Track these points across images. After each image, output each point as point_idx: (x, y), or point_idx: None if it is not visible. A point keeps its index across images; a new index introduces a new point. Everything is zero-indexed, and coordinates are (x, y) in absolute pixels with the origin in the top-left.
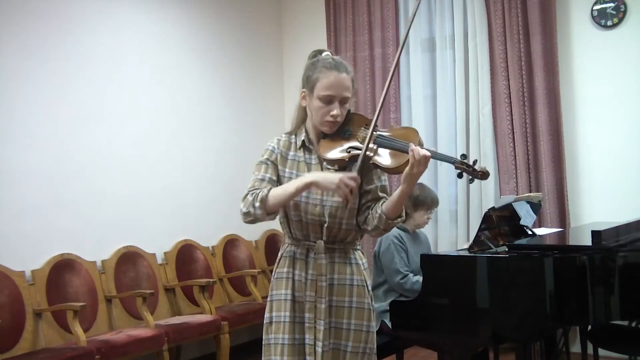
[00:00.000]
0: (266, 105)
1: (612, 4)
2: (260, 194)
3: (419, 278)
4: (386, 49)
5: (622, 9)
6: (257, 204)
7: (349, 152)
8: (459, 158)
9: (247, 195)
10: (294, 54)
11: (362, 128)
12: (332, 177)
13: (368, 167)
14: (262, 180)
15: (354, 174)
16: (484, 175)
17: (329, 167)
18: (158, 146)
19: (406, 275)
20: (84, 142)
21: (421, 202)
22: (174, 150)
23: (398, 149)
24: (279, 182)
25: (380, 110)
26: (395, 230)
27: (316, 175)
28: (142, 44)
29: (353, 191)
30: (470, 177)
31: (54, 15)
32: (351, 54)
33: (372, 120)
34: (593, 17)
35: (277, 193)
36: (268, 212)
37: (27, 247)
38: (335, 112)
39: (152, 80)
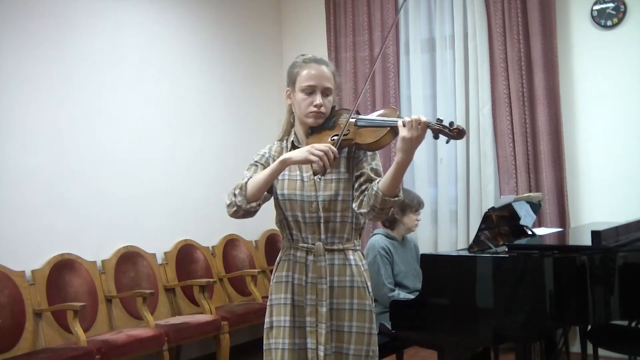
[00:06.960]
0: (266, 105)
1: (612, 4)
2: (239, 183)
3: (407, 296)
4: (386, 49)
5: (622, 9)
6: (237, 192)
7: (332, 139)
8: (435, 121)
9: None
10: (294, 54)
11: (344, 116)
12: (302, 149)
13: (356, 153)
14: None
15: (328, 143)
16: (459, 133)
17: None
18: (158, 146)
19: (394, 290)
20: (84, 142)
21: (408, 205)
22: (174, 150)
23: (377, 125)
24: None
25: (360, 96)
26: (382, 241)
27: (287, 153)
28: (141, 43)
29: (329, 157)
30: (447, 137)
31: (52, 15)
32: (351, 54)
33: (354, 109)
34: (593, 17)
35: (255, 178)
36: (248, 199)
37: (27, 247)
38: (318, 101)
39: (151, 80)
